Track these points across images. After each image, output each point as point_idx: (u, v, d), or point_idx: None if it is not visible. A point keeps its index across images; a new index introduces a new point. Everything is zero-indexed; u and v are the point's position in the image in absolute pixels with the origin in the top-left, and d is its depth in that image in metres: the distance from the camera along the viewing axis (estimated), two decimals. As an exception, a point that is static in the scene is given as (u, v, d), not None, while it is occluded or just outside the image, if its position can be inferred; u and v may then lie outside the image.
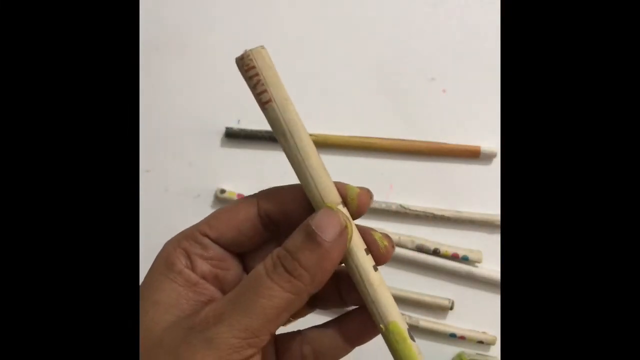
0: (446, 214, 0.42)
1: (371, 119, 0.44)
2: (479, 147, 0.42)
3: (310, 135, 0.46)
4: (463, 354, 0.41)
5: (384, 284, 0.19)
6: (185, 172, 0.44)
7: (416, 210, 0.42)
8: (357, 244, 0.19)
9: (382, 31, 0.44)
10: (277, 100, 0.19)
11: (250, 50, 0.19)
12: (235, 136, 0.44)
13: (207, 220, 0.21)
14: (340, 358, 0.22)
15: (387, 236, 0.20)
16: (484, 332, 0.42)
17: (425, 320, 0.42)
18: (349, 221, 0.19)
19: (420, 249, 0.42)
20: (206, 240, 0.21)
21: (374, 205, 0.42)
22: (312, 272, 0.18)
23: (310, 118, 0.44)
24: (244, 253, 0.22)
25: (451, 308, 0.42)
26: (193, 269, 0.20)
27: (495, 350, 0.42)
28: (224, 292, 0.21)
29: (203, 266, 0.20)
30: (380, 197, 0.43)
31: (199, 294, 0.20)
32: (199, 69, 0.45)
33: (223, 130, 0.44)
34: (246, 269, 0.22)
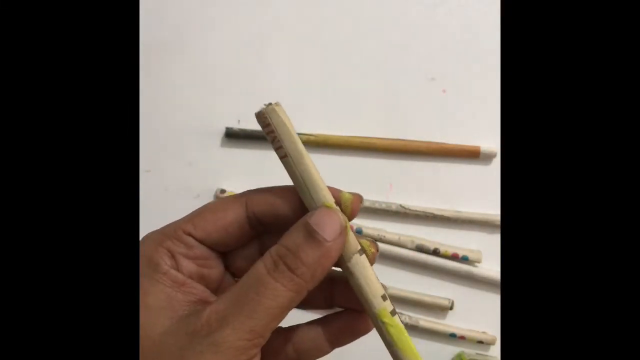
0: (446, 214, 0.42)
1: (371, 119, 0.44)
2: (479, 147, 0.42)
3: (310, 135, 0.46)
4: (463, 354, 0.41)
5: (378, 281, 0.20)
6: (185, 172, 0.44)
7: (416, 210, 0.42)
8: (353, 244, 0.19)
9: (382, 31, 0.44)
10: (292, 155, 0.20)
11: (266, 107, 0.19)
12: (235, 136, 0.44)
13: (191, 219, 0.21)
14: (320, 358, 0.22)
15: (373, 243, 0.20)
16: (483, 332, 0.42)
17: (425, 320, 0.42)
18: (347, 221, 0.20)
19: (420, 249, 0.42)
20: (190, 240, 0.20)
21: (374, 205, 0.42)
22: (313, 269, 0.18)
23: (311, 118, 0.44)
24: (227, 253, 0.22)
25: (451, 308, 0.42)
26: (178, 269, 0.20)
27: (495, 350, 0.42)
28: (211, 290, 0.21)
29: (189, 266, 0.20)
30: (380, 197, 0.43)
31: (188, 294, 0.20)
32: (199, 69, 0.45)
33: (223, 130, 0.44)
34: (227, 267, 0.22)
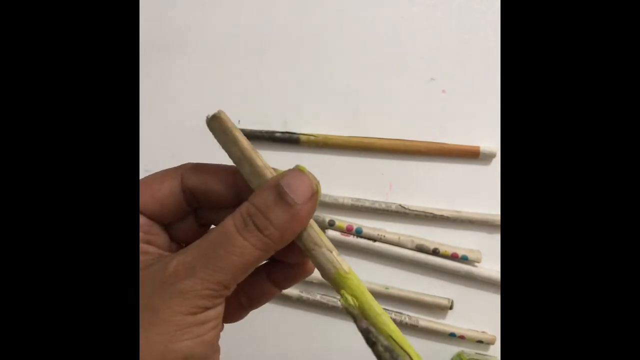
0: (446, 213, 0.42)
1: (371, 119, 0.44)
2: (479, 147, 0.42)
3: (310, 135, 0.46)
4: (462, 354, 0.41)
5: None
6: (186, 172, 0.44)
7: (416, 210, 0.42)
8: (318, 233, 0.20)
9: (382, 31, 0.44)
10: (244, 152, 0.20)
11: (214, 116, 0.21)
12: (235, 136, 0.44)
13: None
14: (272, 298, 0.23)
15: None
16: (483, 332, 0.42)
17: (425, 320, 0.42)
18: (319, 185, 0.19)
19: (420, 248, 0.42)
20: None
21: (373, 205, 0.42)
22: (282, 231, 0.18)
23: (311, 118, 0.44)
24: (167, 224, 0.22)
25: (451, 308, 0.42)
26: None
27: (495, 350, 0.42)
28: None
29: None
30: (380, 197, 0.43)
31: (144, 253, 0.20)
32: (199, 69, 0.45)
33: (223, 130, 0.44)
34: (171, 238, 0.22)
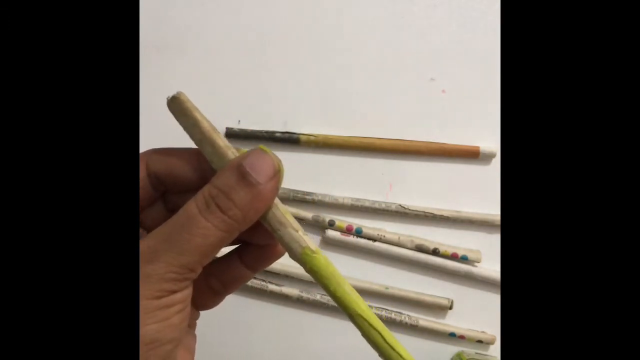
0: (445, 213, 0.42)
1: (371, 119, 0.44)
2: (479, 147, 0.42)
3: (310, 135, 0.46)
4: (462, 354, 0.41)
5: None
6: (186, 172, 0.44)
7: (416, 210, 0.42)
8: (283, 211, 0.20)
9: (382, 31, 0.44)
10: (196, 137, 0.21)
11: (174, 97, 0.21)
12: (235, 136, 0.44)
13: None
14: (246, 281, 0.22)
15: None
16: (483, 332, 0.42)
17: (425, 320, 0.42)
18: (281, 164, 0.19)
19: (420, 248, 0.42)
20: None
21: (373, 205, 0.42)
22: (245, 211, 0.18)
23: (311, 118, 0.44)
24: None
25: (450, 307, 0.42)
26: None
27: (494, 350, 0.42)
28: None
29: None
30: (380, 197, 0.43)
31: None
32: (199, 69, 0.45)
33: (223, 130, 0.44)
34: (142, 225, 0.22)
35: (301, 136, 0.43)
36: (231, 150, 0.20)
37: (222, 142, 0.20)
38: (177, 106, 0.21)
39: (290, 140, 0.43)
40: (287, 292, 0.42)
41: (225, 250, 0.22)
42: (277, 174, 0.19)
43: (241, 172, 0.18)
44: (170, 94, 0.21)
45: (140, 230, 0.22)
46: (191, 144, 0.22)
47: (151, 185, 0.21)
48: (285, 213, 0.20)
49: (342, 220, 0.42)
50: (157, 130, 0.46)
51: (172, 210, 0.22)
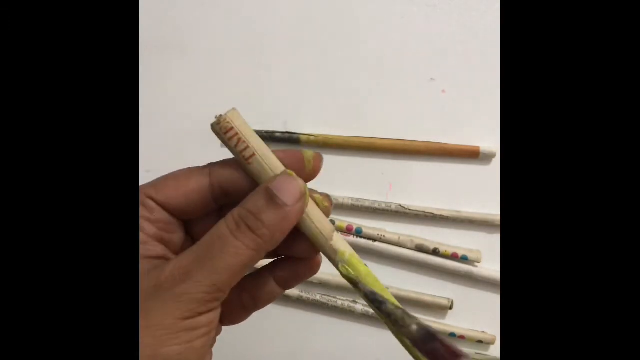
0: (445, 213, 0.42)
1: (371, 119, 0.44)
2: (479, 147, 0.42)
3: (310, 135, 0.46)
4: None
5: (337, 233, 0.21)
6: (186, 172, 0.44)
7: (416, 210, 0.42)
8: (313, 206, 0.21)
9: (382, 31, 0.44)
10: (259, 152, 0.21)
11: (226, 113, 0.21)
12: (235, 136, 0.44)
13: (154, 184, 0.21)
14: (275, 299, 0.23)
15: (326, 196, 0.22)
16: (483, 332, 0.42)
17: (425, 320, 0.42)
18: (306, 186, 0.20)
19: (420, 248, 0.42)
20: (151, 203, 0.21)
21: (373, 205, 0.42)
22: (273, 231, 0.19)
23: (311, 118, 0.44)
24: (188, 220, 0.22)
25: (451, 308, 0.42)
26: (140, 230, 0.21)
27: (495, 350, 0.42)
28: (172, 251, 0.22)
29: (149, 228, 0.21)
30: (380, 197, 0.43)
31: (149, 251, 0.21)
32: (199, 69, 0.45)
33: (223, 130, 0.44)
34: (191, 235, 0.23)
35: (301, 136, 0.43)
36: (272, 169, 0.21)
37: (267, 162, 0.21)
38: (224, 128, 0.21)
39: (290, 140, 0.43)
40: (287, 292, 0.42)
41: (261, 264, 0.23)
42: (303, 196, 0.20)
43: (270, 195, 0.19)
44: (217, 115, 0.21)
45: (185, 244, 0.22)
46: (203, 158, 0.23)
47: (212, 197, 0.22)
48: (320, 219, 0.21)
49: (342, 220, 0.42)
50: (157, 130, 0.46)
51: None
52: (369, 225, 0.43)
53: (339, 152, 0.44)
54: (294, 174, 0.20)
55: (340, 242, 0.21)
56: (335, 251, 0.21)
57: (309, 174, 0.21)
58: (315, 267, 0.23)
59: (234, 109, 0.21)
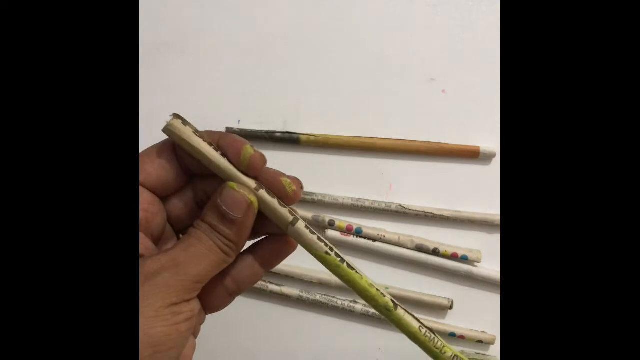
0: (446, 213, 0.42)
1: (371, 119, 0.44)
2: (479, 147, 0.42)
3: (310, 135, 0.46)
4: (462, 354, 0.41)
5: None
6: (186, 172, 0.44)
7: (416, 210, 0.42)
8: (270, 201, 0.22)
9: (382, 31, 0.44)
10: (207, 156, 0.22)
11: (168, 122, 0.22)
12: (235, 136, 0.44)
13: None
14: (257, 281, 0.25)
15: (295, 179, 0.23)
16: (483, 332, 0.42)
17: (425, 320, 0.42)
18: (252, 193, 0.22)
19: (420, 248, 0.42)
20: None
21: (373, 205, 0.42)
22: (235, 239, 0.22)
23: (311, 118, 0.44)
24: (167, 198, 0.24)
25: (451, 307, 0.42)
26: None
27: (494, 350, 0.42)
28: (151, 237, 0.23)
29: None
30: (380, 197, 0.43)
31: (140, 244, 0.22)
32: (199, 69, 0.45)
33: (223, 130, 0.44)
34: (169, 215, 0.24)
35: (301, 136, 0.43)
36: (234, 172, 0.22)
37: (225, 164, 0.22)
38: (175, 136, 0.22)
39: (290, 140, 0.43)
40: (287, 292, 0.42)
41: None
42: (250, 205, 0.21)
43: (221, 213, 0.21)
44: (166, 122, 0.22)
45: (166, 226, 0.24)
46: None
47: (182, 168, 0.23)
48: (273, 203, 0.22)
49: (342, 220, 0.42)
50: (157, 130, 0.46)
51: (200, 202, 0.24)
52: (369, 225, 0.43)
53: (339, 152, 0.44)
54: (235, 185, 0.21)
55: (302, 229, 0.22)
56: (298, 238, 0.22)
57: (291, 199, 0.23)
58: (294, 242, 0.24)
59: (174, 115, 0.22)
